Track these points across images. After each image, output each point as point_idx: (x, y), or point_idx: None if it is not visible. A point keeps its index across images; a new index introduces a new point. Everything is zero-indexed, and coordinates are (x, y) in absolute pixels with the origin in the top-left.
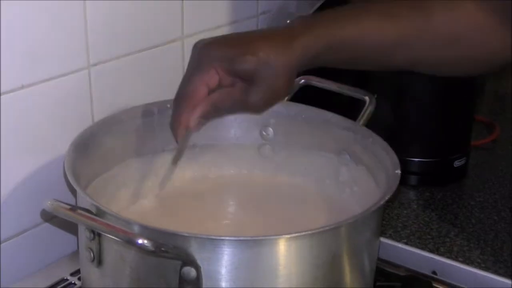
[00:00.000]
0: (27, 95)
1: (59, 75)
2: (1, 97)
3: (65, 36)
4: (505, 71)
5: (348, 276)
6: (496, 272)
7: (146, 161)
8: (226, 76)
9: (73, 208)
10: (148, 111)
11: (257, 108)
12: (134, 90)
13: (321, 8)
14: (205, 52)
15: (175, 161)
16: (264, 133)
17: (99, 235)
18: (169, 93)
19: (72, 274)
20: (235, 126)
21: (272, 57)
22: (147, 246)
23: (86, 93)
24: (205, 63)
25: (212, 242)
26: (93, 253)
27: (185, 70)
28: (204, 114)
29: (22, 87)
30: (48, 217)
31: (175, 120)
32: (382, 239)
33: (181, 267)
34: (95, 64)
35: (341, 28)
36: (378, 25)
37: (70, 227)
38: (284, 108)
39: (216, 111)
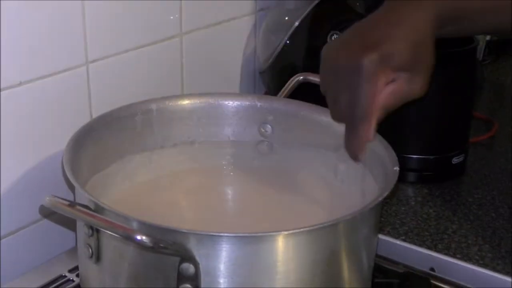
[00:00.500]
0: (25, 92)
1: (58, 72)
2: (0, 93)
3: (63, 33)
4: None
5: (346, 272)
6: (494, 269)
7: (144, 158)
8: (389, 74)
9: (72, 204)
10: (146, 108)
11: (422, 91)
12: (132, 86)
13: (319, 4)
14: (365, 60)
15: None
16: (262, 130)
17: (98, 231)
18: (168, 90)
19: (70, 271)
20: (234, 123)
21: (418, 36)
22: (145, 242)
23: (84, 90)
24: (371, 71)
25: (210, 239)
26: (91, 249)
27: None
28: (379, 121)
29: (20, 83)
30: (47, 213)
31: (357, 141)
32: (380, 236)
33: (180, 263)
34: (93, 61)
35: None
36: None
37: (69, 223)
38: (282, 105)
39: (385, 113)
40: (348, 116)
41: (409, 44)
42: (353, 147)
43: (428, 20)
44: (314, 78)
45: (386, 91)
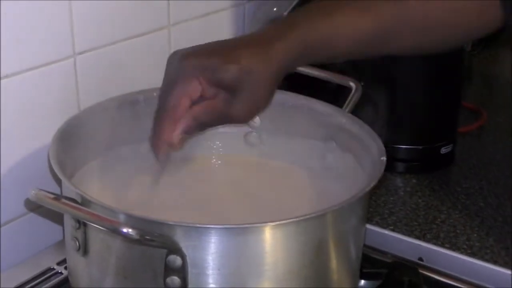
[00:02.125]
0: (11, 84)
1: (45, 64)
2: None
3: (50, 24)
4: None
5: (334, 263)
6: (482, 258)
7: (132, 150)
8: (208, 86)
9: (58, 197)
10: (134, 100)
11: (241, 119)
12: (120, 78)
13: None
14: (186, 63)
15: (156, 180)
16: (250, 120)
17: (85, 224)
18: (155, 82)
19: (58, 264)
20: None
21: (253, 64)
22: (131, 235)
23: (72, 82)
24: (186, 74)
25: (197, 230)
26: (78, 243)
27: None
28: (187, 130)
29: (7, 76)
30: (33, 206)
31: (157, 137)
32: (369, 226)
33: (167, 255)
34: (80, 53)
35: (315, 29)
36: (353, 21)
37: (56, 217)
38: None
39: (198, 126)
40: (157, 112)
41: (240, 68)
42: (154, 144)
43: (273, 56)
44: (302, 69)
45: (202, 104)
